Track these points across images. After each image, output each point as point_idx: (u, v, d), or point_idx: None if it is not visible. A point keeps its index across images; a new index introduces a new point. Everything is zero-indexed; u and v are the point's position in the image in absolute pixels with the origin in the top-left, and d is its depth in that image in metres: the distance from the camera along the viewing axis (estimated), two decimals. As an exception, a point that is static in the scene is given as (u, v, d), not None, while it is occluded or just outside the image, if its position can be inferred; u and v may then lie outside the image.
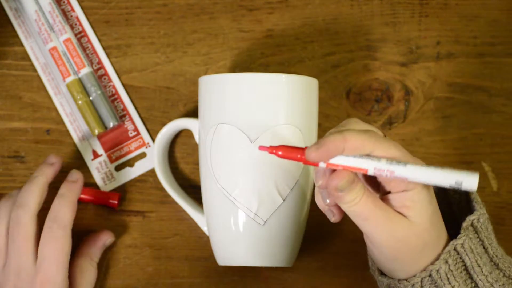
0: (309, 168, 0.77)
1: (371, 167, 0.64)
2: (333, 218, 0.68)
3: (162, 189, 0.84)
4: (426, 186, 0.66)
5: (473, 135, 0.85)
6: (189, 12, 0.87)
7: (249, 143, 0.75)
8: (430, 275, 0.68)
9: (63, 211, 0.77)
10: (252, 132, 0.75)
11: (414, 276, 0.68)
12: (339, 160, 0.65)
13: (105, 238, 0.83)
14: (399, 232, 0.66)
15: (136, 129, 0.86)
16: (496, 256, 0.70)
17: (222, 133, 0.76)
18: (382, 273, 0.71)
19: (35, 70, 0.86)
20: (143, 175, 0.86)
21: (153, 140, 0.86)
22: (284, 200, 0.76)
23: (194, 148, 0.85)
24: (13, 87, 0.86)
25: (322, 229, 0.83)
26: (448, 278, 0.68)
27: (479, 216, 0.69)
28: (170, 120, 0.83)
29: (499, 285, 0.69)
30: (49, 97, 0.86)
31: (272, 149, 0.67)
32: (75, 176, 0.81)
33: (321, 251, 0.84)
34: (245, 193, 0.76)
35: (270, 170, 0.75)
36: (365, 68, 0.86)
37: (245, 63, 0.86)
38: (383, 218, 0.65)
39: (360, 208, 0.65)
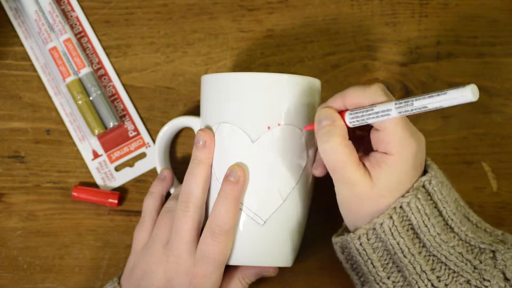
0: (310, 168, 0.77)
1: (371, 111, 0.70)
2: (317, 171, 0.76)
3: (162, 189, 0.84)
4: (404, 157, 0.70)
5: (473, 135, 0.85)
6: (189, 12, 0.87)
7: (250, 143, 0.75)
8: (374, 228, 0.71)
9: (227, 216, 0.75)
10: (253, 132, 0.75)
11: (360, 228, 0.71)
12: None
13: (266, 269, 0.80)
14: (358, 188, 0.70)
15: (136, 129, 0.86)
16: (452, 219, 0.72)
17: (224, 132, 0.76)
18: (337, 235, 0.75)
19: (35, 70, 0.86)
20: (143, 175, 0.86)
21: (153, 140, 0.86)
22: (284, 201, 0.76)
23: (194, 148, 0.85)
24: (13, 87, 0.86)
25: (322, 229, 0.83)
26: (392, 233, 0.70)
27: (431, 178, 0.72)
28: (170, 120, 0.83)
29: (450, 246, 0.71)
30: (49, 97, 0.86)
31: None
32: (235, 176, 0.75)
33: (321, 251, 0.84)
34: (245, 192, 0.75)
35: (270, 170, 0.75)
36: (365, 68, 0.86)
37: (245, 63, 0.86)
38: (353, 169, 0.70)
39: (336, 150, 0.70)
